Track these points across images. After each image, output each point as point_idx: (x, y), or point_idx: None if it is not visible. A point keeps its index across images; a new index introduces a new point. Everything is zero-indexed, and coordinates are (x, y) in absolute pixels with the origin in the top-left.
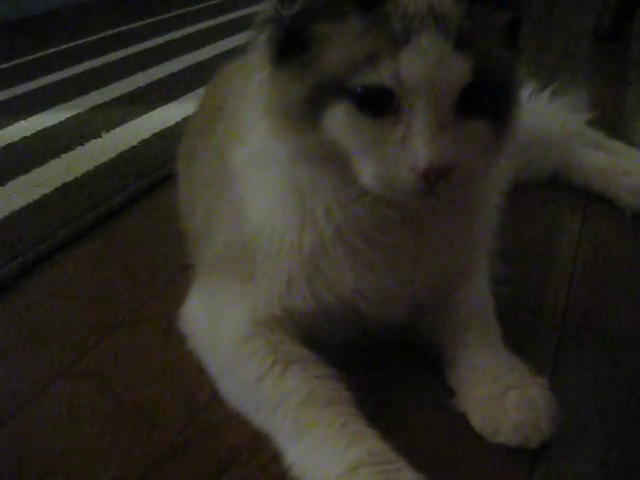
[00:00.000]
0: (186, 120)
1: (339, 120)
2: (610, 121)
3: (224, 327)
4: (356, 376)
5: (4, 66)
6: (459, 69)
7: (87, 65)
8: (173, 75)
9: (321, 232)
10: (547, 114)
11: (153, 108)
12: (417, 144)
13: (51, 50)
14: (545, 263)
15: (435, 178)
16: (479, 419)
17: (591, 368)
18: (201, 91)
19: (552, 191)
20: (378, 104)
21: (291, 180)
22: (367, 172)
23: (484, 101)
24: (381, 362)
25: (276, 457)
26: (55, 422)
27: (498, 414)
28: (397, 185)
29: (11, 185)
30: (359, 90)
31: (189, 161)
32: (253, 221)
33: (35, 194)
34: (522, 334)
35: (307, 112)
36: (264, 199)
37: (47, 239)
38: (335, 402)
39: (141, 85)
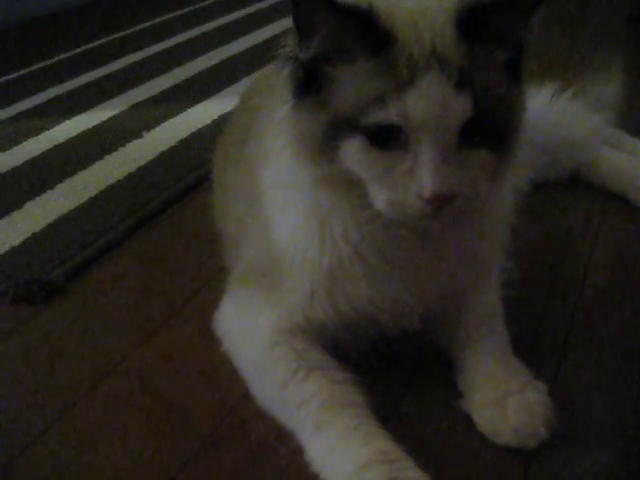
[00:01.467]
0: (222, 119)
1: (353, 153)
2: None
3: (253, 334)
4: (372, 379)
5: (48, 63)
6: (460, 107)
7: (129, 59)
8: (211, 69)
9: (339, 251)
10: (568, 114)
11: (192, 105)
12: (423, 174)
13: (91, 45)
14: (558, 265)
15: (439, 204)
16: (482, 421)
17: (595, 373)
18: (237, 87)
19: (571, 191)
20: (388, 138)
21: (312, 203)
22: (380, 198)
23: (485, 133)
24: (397, 366)
25: (299, 452)
26: (102, 419)
27: (499, 417)
28: (407, 209)
29: (59, 188)
30: (370, 127)
31: (223, 168)
32: (279, 239)
33: (82, 197)
34: (530, 336)
35: (325, 145)
36: (288, 219)
37: (93, 243)
38: (351, 405)
39: (180, 81)
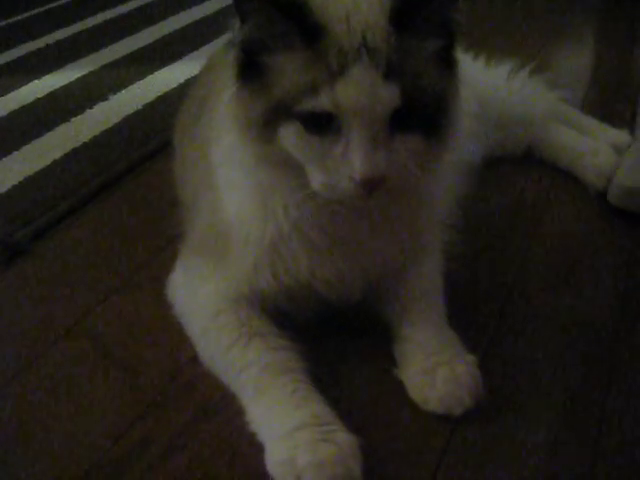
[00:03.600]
0: (188, 83)
1: (289, 138)
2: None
3: (200, 301)
4: (313, 346)
5: (15, 19)
6: (388, 96)
7: (100, 18)
8: (180, 31)
9: (280, 226)
10: (524, 91)
11: (159, 68)
12: (354, 159)
13: (61, 2)
14: (503, 239)
15: (370, 186)
16: (413, 389)
17: (527, 347)
18: (205, 51)
19: (523, 167)
20: (322, 124)
21: (254, 181)
22: (315, 180)
23: (416, 119)
24: (337, 334)
25: (241, 412)
26: (54, 379)
27: (428, 386)
28: (340, 191)
29: (24, 150)
30: (304, 113)
31: (182, 137)
32: (226, 212)
33: (47, 159)
34: (468, 309)
35: (264, 128)
36: (234, 195)
37: (57, 205)
38: (289, 371)
39: (150, 41)
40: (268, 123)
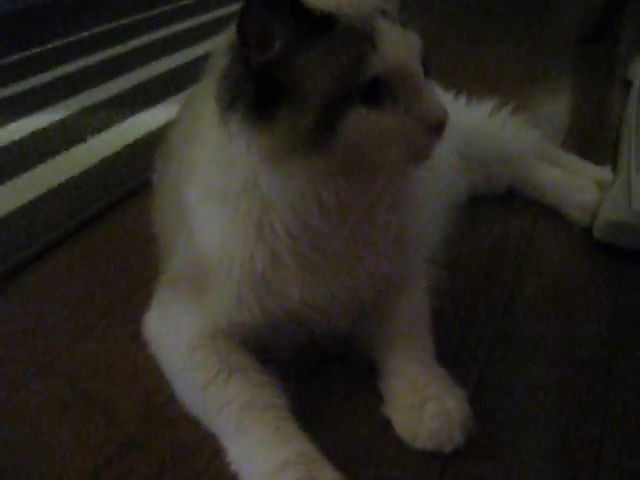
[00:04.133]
0: (168, 125)
1: (356, 126)
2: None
3: (177, 337)
4: (295, 381)
5: None
6: (417, 42)
7: (79, 64)
8: (161, 75)
9: (277, 245)
10: (506, 129)
11: (139, 111)
12: (423, 106)
13: (41, 48)
14: (489, 275)
15: (444, 124)
16: (401, 425)
17: (515, 381)
18: (186, 95)
19: (507, 204)
20: (379, 97)
21: (248, 205)
22: (392, 153)
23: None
24: (321, 369)
25: (221, 453)
26: (27, 419)
27: (417, 422)
28: (418, 146)
29: (0, 190)
30: (361, 90)
31: (161, 176)
32: (205, 247)
33: (22, 199)
34: (456, 344)
35: (317, 136)
36: (216, 228)
37: (30, 245)
38: (271, 408)
39: (129, 86)
40: (321, 129)
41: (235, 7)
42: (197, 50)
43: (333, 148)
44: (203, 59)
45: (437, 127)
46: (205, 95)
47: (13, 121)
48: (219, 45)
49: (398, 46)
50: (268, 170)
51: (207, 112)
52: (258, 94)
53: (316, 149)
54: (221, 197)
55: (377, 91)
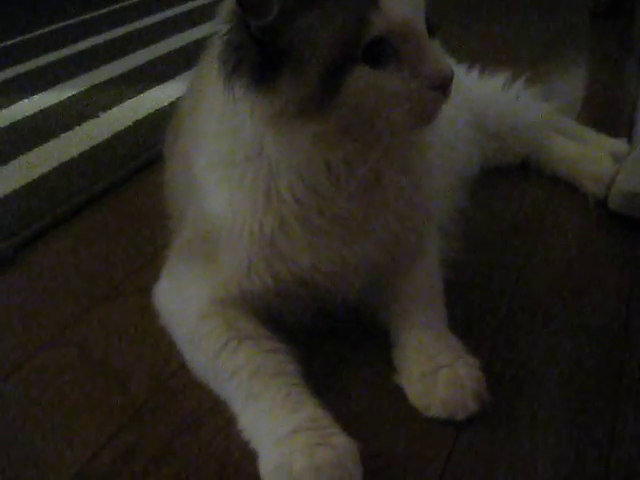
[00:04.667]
0: (178, 101)
1: (359, 84)
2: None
3: (187, 306)
4: (307, 349)
5: (9, 43)
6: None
7: (90, 41)
8: (173, 52)
9: (284, 209)
10: (519, 102)
11: (150, 87)
12: (430, 63)
13: (53, 27)
14: (502, 246)
15: (450, 82)
16: (413, 394)
17: (529, 351)
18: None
19: (521, 177)
20: (383, 57)
21: (256, 169)
22: (397, 113)
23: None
24: (333, 338)
25: (232, 420)
26: (39, 387)
27: (429, 390)
28: (424, 106)
29: (13, 164)
30: (364, 50)
31: (170, 149)
32: (215, 215)
33: (34, 173)
34: (466, 313)
35: (320, 96)
36: (224, 194)
37: (42, 217)
38: (282, 374)
39: (140, 63)
40: (325, 87)
41: None
42: (208, 27)
43: (337, 110)
44: (213, 36)
45: (442, 86)
46: (210, 65)
47: (25, 98)
48: (223, 12)
49: (401, 5)
50: (272, 135)
51: (213, 79)
52: (260, 59)
53: (320, 112)
54: (228, 164)
55: (381, 51)
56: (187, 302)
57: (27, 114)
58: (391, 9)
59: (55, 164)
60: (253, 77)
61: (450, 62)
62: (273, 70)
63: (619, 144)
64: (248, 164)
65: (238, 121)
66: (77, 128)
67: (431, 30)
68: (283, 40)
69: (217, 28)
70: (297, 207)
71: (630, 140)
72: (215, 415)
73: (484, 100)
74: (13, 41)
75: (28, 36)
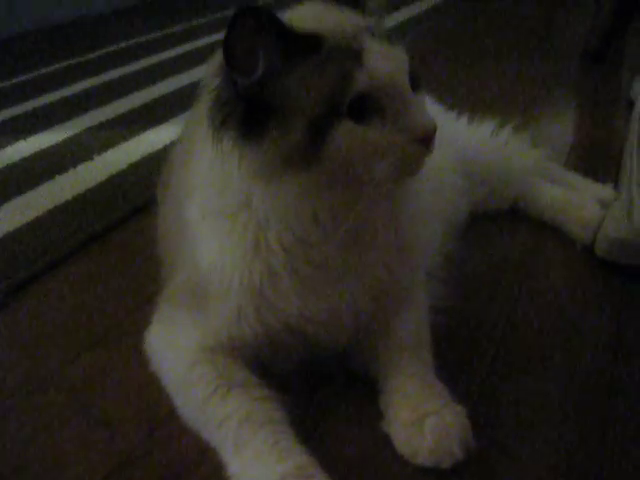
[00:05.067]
0: (173, 144)
1: (343, 139)
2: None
3: (177, 352)
4: (295, 397)
5: (6, 84)
6: (403, 56)
7: (86, 84)
8: (168, 95)
9: (272, 259)
10: (507, 148)
11: (145, 130)
12: (412, 118)
13: (49, 69)
14: (491, 291)
15: (432, 137)
16: (400, 441)
17: (516, 396)
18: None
19: (509, 222)
20: (366, 112)
21: (244, 220)
22: (379, 168)
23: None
24: (321, 385)
25: (221, 467)
26: (30, 431)
27: (416, 438)
28: (407, 160)
29: (7, 206)
30: (348, 106)
31: (163, 195)
32: (205, 263)
33: (29, 216)
34: (454, 359)
35: (305, 150)
36: (214, 244)
37: (37, 260)
38: (270, 422)
39: (135, 105)
40: (310, 141)
41: None
42: (202, 72)
43: (323, 163)
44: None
45: (425, 139)
46: (200, 115)
47: (22, 139)
48: (213, 63)
49: (384, 62)
50: (260, 186)
51: (202, 132)
52: (247, 114)
53: (306, 164)
54: (218, 214)
55: (365, 106)
56: (177, 349)
57: (22, 156)
58: (374, 66)
59: (51, 206)
60: (240, 131)
61: (437, 111)
62: (260, 124)
63: (605, 190)
64: (237, 215)
65: (227, 173)
66: (72, 170)
67: (416, 84)
68: (269, 96)
69: (206, 81)
70: (285, 257)
71: (616, 186)
72: (204, 462)
73: (473, 147)
74: (9, 82)
75: (24, 78)
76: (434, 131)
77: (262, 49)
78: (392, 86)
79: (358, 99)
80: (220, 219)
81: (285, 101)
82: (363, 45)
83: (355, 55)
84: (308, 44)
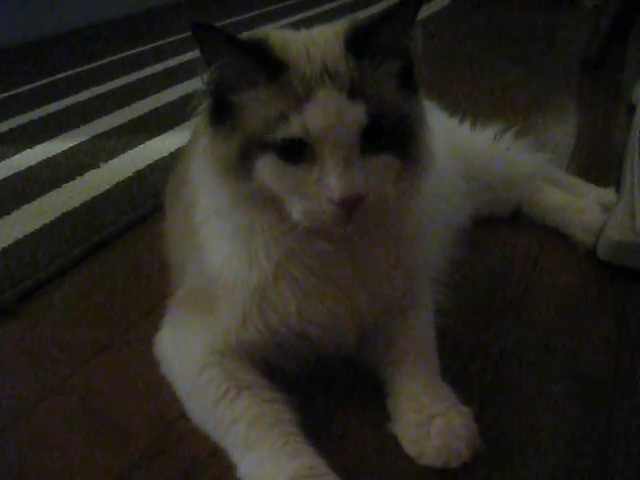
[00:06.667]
0: (179, 151)
1: (265, 170)
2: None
3: (187, 356)
4: (304, 398)
5: (12, 93)
6: (355, 115)
7: (92, 92)
8: (174, 103)
9: (264, 269)
10: (510, 153)
11: (151, 137)
12: (330, 180)
13: (56, 77)
14: (494, 295)
15: (350, 206)
16: (408, 442)
17: (520, 398)
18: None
19: (512, 226)
20: (295, 153)
21: (234, 226)
22: (296, 209)
23: (385, 139)
24: (329, 387)
25: (231, 469)
26: (42, 435)
27: (423, 439)
28: (321, 216)
29: (16, 214)
30: (277, 143)
31: (172, 200)
32: (212, 266)
33: (37, 224)
34: (460, 362)
35: (240, 165)
36: (219, 246)
37: (46, 267)
38: (279, 423)
39: (141, 113)
40: (243, 160)
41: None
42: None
43: (252, 181)
44: None
45: (343, 205)
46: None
47: (29, 148)
48: None
49: (322, 116)
50: (216, 188)
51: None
52: (215, 107)
53: (241, 176)
54: (217, 215)
55: (297, 148)
56: (187, 352)
57: (30, 164)
58: (311, 116)
59: (57, 214)
60: (210, 119)
61: (440, 117)
62: (221, 120)
63: (607, 194)
64: (227, 215)
65: None
66: (79, 178)
67: (375, 144)
68: (228, 99)
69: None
70: (276, 267)
71: (618, 189)
72: (214, 463)
73: (475, 152)
74: (16, 91)
75: (30, 86)
76: (354, 200)
77: (221, 60)
78: (325, 142)
79: (291, 140)
80: (220, 219)
81: (236, 111)
82: (314, 90)
83: (301, 99)
84: (273, 68)
